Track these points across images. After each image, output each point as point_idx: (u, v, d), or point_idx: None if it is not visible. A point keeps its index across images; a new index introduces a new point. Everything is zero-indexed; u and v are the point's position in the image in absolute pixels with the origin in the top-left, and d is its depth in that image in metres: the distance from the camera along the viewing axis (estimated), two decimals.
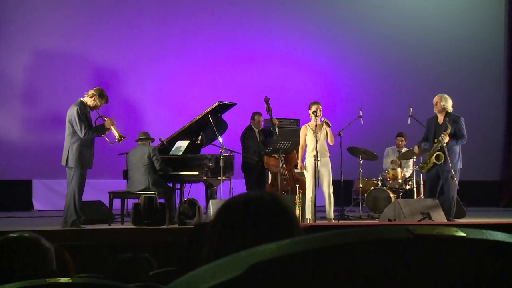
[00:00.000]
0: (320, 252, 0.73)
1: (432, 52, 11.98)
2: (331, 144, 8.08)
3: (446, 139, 7.81)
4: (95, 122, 7.33)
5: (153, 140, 7.98)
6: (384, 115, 11.21)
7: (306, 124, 8.09)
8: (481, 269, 0.79)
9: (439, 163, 7.80)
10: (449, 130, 7.82)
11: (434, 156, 7.84)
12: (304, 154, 8.06)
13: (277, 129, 8.84)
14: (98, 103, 7.23)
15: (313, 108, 7.94)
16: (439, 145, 7.82)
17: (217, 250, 1.25)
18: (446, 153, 7.77)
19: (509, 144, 12.38)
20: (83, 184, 7.13)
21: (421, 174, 8.90)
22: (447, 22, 12.14)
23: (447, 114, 8.01)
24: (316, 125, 7.92)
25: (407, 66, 11.89)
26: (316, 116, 7.90)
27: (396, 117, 10.26)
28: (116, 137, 7.41)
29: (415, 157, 9.08)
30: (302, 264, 0.72)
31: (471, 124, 11.25)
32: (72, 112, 7.10)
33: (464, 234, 0.77)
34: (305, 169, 8.01)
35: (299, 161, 8.19)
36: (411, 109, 8.73)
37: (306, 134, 8.01)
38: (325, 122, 8.00)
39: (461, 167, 8.01)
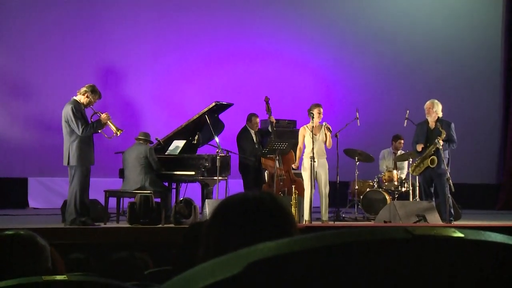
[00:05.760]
0: (319, 251, 0.73)
1: (429, 56, 12.00)
2: (328, 147, 8.11)
3: (441, 143, 7.91)
4: (90, 119, 7.31)
5: (151, 142, 7.98)
6: (380, 117, 11.22)
7: (305, 126, 8.10)
8: (479, 270, 0.79)
9: (433, 166, 7.91)
10: (443, 135, 7.93)
11: (429, 160, 7.91)
12: (302, 155, 8.08)
13: (274, 128, 8.83)
14: (92, 99, 7.20)
15: (315, 110, 7.97)
16: (433, 148, 7.92)
17: (214, 249, 1.25)
18: (442, 156, 7.88)
19: (505, 147, 12.40)
20: (87, 182, 7.10)
21: (417, 177, 8.93)
22: (444, 26, 12.16)
23: (438, 119, 8.11)
24: (313, 127, 7.92)
25: (404, 69, 11.90)
26: (312, 118, 7.93)
27: (393, 120, 10.27)
28: (114, 131, 7.38)
29: (410, 159, 9.10)
30: (301, 263, 0.72)
31: (467, 127, 11.29)
32: (67, 111, 7.07)
33: (462, 235, 0.77)
34: (302, 169, 8.02)
35: (297, 161, 8.21)
36: (408, 111, 8.75)
37: (305, 135, 8.02)
38: (327, 127, 8.02)
39: (449, 171, 8.10)
